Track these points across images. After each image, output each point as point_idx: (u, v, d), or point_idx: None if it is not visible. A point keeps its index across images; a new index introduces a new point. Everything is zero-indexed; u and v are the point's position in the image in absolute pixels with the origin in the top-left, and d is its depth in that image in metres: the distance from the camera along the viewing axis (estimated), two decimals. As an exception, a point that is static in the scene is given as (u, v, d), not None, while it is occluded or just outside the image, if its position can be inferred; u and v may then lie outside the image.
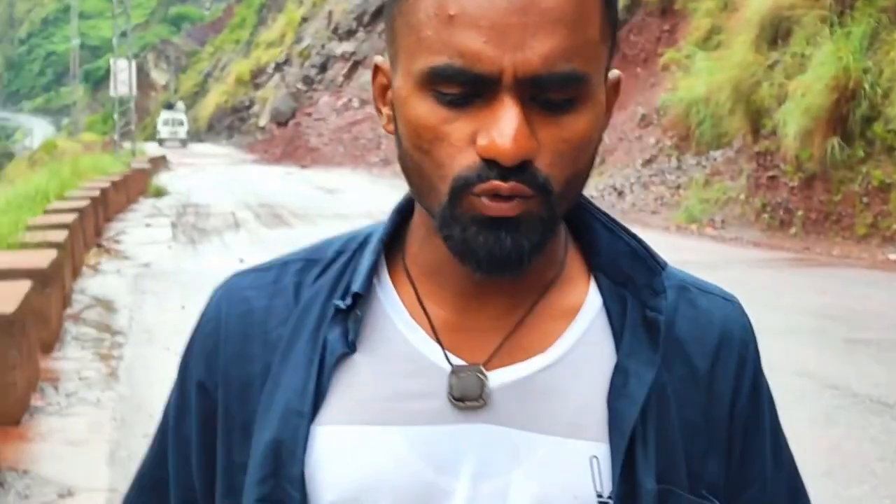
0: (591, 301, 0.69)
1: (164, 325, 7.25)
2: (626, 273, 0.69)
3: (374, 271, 0.68)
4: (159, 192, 19.41)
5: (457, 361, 0.65)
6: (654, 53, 18.43)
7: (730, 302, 0.73)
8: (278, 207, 15.95)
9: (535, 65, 0.57)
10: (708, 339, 0.69)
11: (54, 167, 17.21)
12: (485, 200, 0.59)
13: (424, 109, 0.60)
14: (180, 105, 50.88)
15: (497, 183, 0.58)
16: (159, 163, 26.32)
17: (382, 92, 0.68)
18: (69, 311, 7.76)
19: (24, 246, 7.79)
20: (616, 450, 0.64)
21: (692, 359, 0.68)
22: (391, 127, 0.66)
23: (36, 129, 62.22)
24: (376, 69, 0.68)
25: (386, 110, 0.67)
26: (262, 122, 38.18)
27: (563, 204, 0.63)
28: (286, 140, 31.89)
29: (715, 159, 14.61)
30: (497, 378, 0.65)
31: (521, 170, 0.58)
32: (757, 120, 13.06)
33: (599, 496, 0.63)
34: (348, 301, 0.67)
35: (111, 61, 32.25)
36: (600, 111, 0.64)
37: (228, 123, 46.03)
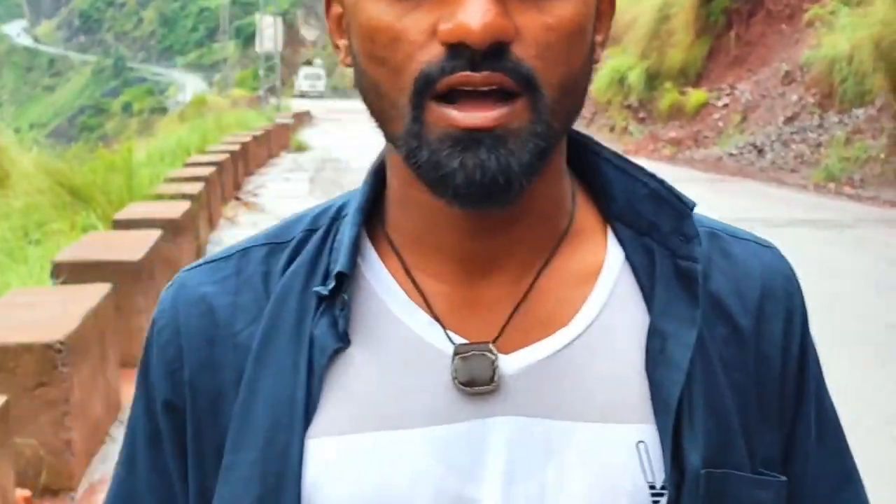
0: (613, 257, 0.60)
1: None
2: (648, 219, 0.60)
3: (356, 247, 0.58)
4: (301, 147, 19.73)
5: (460, 341, 0.56)
6: (800, 9, 17.89)
7: (767, 248, 0.64)
8: None
9: None
10: (749, 293, 0.60)
11: (198, 122, 18.09)
12: (455, 110, 0.49)
13: (377, 8, 0.51)
14: (318, 62, 56.10)
15: (468, 74, 0.49)
16: (303, 118, 27.00)
17: (338, 22, 0.59)
18: None
19: (160, 197, 7.94)
20: (664, 429, 0.55)
21: (734, 316, 0.59)
22: (349, 59, 0.57)
23: (188, 85, 64.07)
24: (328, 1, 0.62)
25: (343, 42, 0.58)
26: None
27: (558, 115, 0.52)
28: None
29: (857, 117, 14.11)
30: (514, 360, 0.55)
31: (495, 56, 0.48)
32: (899, 78, 13.30)
33: (652, 487, 0.54)
34: (331, 284, 0.56)
35: (257, 17, 32.99)
36: (590, 4, 0.54)
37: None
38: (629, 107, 19.69)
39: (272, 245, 0.62)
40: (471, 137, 0.49)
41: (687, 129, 17.40)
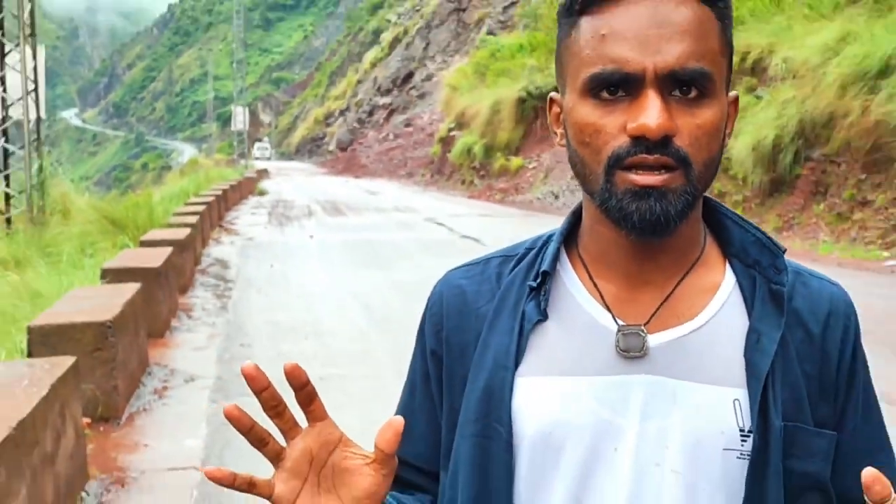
0: (728, 280, 0.64)
1: (258, 277, 7.80)
2: (753, 257, 0.64)
3: (556, 257, 0.65)
4: (262, 192, 20.77)
5: (622, 323, 0.62)
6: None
7: (834, 285, 0.67)
8: (338, 203, 17.16)
9: (671, 63, 0.55)
10: (819, 311, 0.64)
11: (194, 176, 18.93)
12: (635, 174, 0.56)
13: (586, 111, 0.58)
14: (266, 138, 60.52)
15: (644, 155, 0.56)
16: (263, 174, 27.59)
17: (556, 118, 0.65)
18: (199, 267, 8.32)
19: (171, 225, 8.46)
20: (753, 393, 0.59)
21: (808, 325, 0.63)
22: (563, 142, 0.63)
23: (186, 151, 68.36)
24: (551, 101, 0.66)
25: (560, 130, 0.64)
26: (331, 147, 42.16)
27: (701, 181, 0.58)
28: (346, 160, 35.39)
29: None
30: (656, 339, 0.61)
31: (664, 145, 0.55)
32: None
33: (741, 431, 0.59)
34: (538, 280, 0.64)
35: (233, 108, 36.54)
36: (724, 110, 0.59)
37: (309, 148, 51.14)
38: (474, 167, 20.68)
39: (504, 257, 0.70)
40: (645, 192, 0.56)
41: (510, 182, 18.28)
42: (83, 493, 2.93)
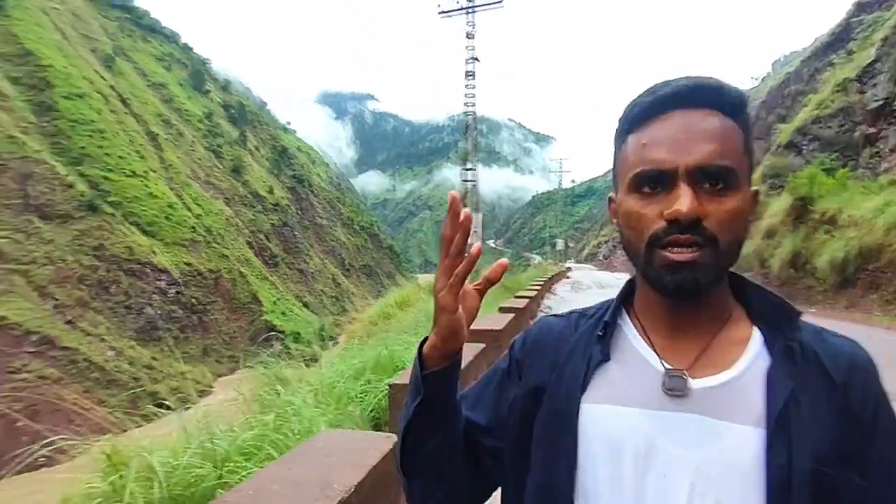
0: (755, 336, 0.72)
1: None
2: (773, 318, 0.72)
3: (616, 313, 0.78)
4: (567, 277, 29.66)
5: (668, 367, 0.70)
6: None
7: (853, 342, 0.71)
8: (603, 283, 24.82)
9: (699, 159, 0.65)
10: (841, 363, 0.69)
11: (535, 271, 28.03)
12: (670, 252, 0.66)
13: (631, 203, 0.69)
14: (560, 241, 79.97)
15: (677, 236, 0.65)
16: (566, 270, 37.30)
17: (613, 212, 0.76)
18: (539, 309, 10.71)
19: (528, 288, 11.41)
20: (774, 430, 0.65)
21: (830, 374, 0.68)
22: (618, 229, 0.73)
23: (535, 259, 75.89)
24: (610, 200, 0.76)
25: (615, 220, 0.75)
26: (600, 257, 65.10)
27: (726, 258, 0.67)
28: (607, 263, 54.49)
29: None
30: (698, 383, 0.69)
31: (694, 227, 0.64)
32: None
33: (771, 466, 0.65)
34: (602, 331, 0.76)
35: (557, 240, 66.28)
36: (747, 200, 0.68)
37: (588, 258, 69.41)
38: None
39: (581, 313, 0.83)
40: (679, 266, 0.65)
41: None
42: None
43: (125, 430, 2.98)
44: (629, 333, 0.76)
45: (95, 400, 21.34)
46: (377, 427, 3.24)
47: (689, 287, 0.67)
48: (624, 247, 0.74)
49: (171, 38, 69.68)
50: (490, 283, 0.75)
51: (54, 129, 34.34)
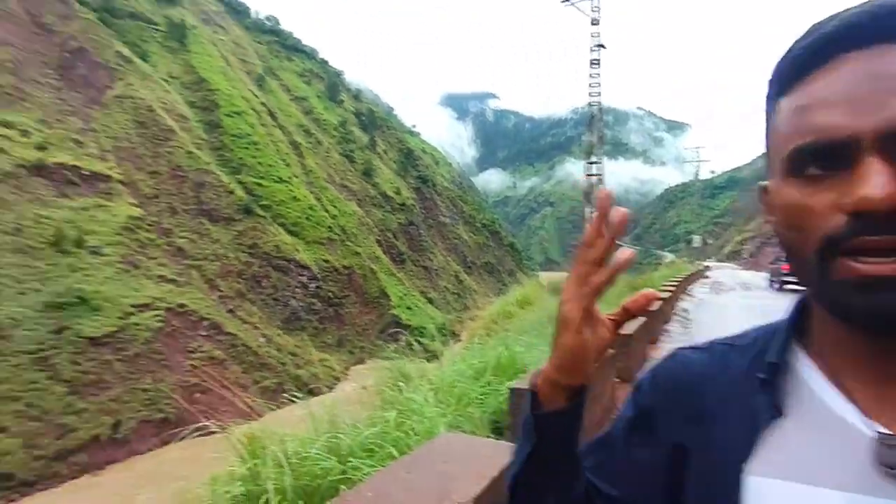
0: None
1: (702, 319, 10.28)
2: None
3: (785, 348, 0.57)
4: (706, 277, 28.37)
5: (879, 429, 0.49)
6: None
7: None
8: (748, 283, 23.47)
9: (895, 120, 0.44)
10: None
11: (674, 268, 28.09)
12: (856, 262, 0.46)
13: (790, 191, 0.50)
14: (697, 237, 72.93)
15: (868, 238, 0.45)
16: (703, 269, 35.00)
17: (768, 206, 0.57)
18: (673, 312, 10.75)
19: (662, 289, 10.57)
20: None
21: None
22: (775, 229, 0.56)
23: (667, 256, 76.73)
24: (762, 190, 0.58)
25: (771, 217, 0.56)
26: (744, 256, 57.92)
27: None
28: (752, 262, 45.95)
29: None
30: None
31: (894, 222, 0.45)
32: None
33: None
34: (768, 373, 0.56)
35: (693, 236, 59.68)
36: None
37: (732, 256, 63.40)
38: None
39: (729, 345, 0.63)
40: (873, 283, 0.45)
41: None
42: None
43: (261, 416, 3.28)
44: (809, 378, 0.55)
45: (250, 380, 24.14)
46: (497, 431, 3.15)
47: (889, 315, 0.45)
48: (787, 256, 0.53)
49: (310, 54, 75.98)
50: (629, 314, 0.58)
51: (220, 144, 40.46)
